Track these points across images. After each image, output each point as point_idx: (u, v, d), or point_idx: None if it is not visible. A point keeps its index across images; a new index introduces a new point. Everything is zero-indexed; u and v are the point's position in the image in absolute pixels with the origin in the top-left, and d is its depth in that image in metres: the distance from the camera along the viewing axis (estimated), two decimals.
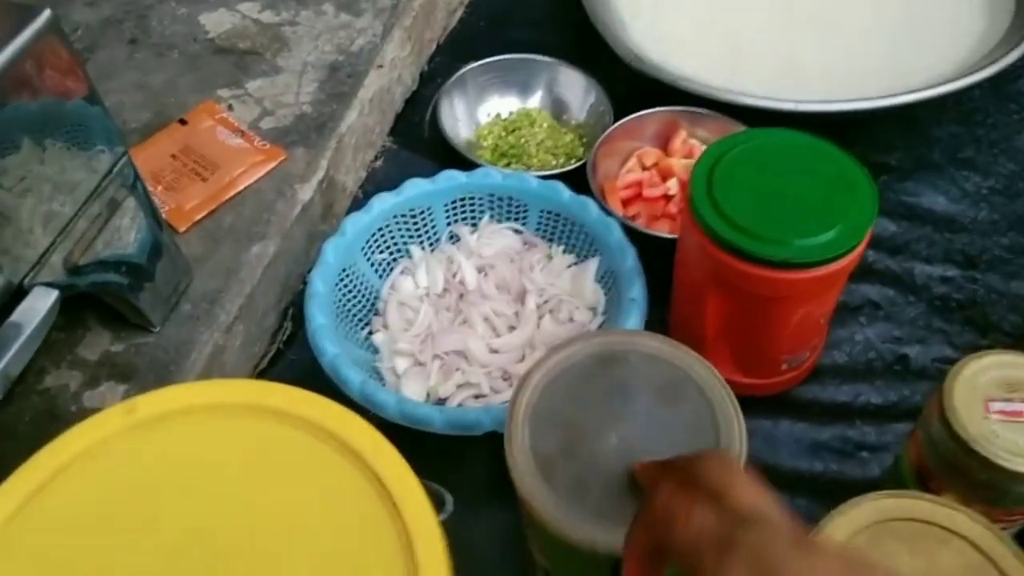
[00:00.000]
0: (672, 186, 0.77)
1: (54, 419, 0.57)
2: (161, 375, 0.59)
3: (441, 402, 0.65)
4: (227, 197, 0.69)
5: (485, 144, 0.84)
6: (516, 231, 0.74)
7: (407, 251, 0.74)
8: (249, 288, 0.64)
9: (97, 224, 0.52)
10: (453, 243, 0.74)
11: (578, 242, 0.72)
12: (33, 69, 0.45)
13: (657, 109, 0.80)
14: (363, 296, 0.70)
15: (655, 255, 0.68)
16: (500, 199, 0.74)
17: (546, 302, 0.70)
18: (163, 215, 0.63)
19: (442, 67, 0.93)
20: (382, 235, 0.71)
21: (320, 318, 0.63)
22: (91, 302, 0.59)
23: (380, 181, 0.82)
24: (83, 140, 0.50)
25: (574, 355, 0.48)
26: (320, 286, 0.65)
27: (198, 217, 0.68)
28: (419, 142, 0.86)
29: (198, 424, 0.43)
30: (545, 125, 0.85)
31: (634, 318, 0.63)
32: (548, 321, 0.69)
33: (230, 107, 0.77)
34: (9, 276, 0.47)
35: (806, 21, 0.89)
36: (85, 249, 0.52)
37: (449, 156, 0.80)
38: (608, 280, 0.69)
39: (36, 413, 0.58)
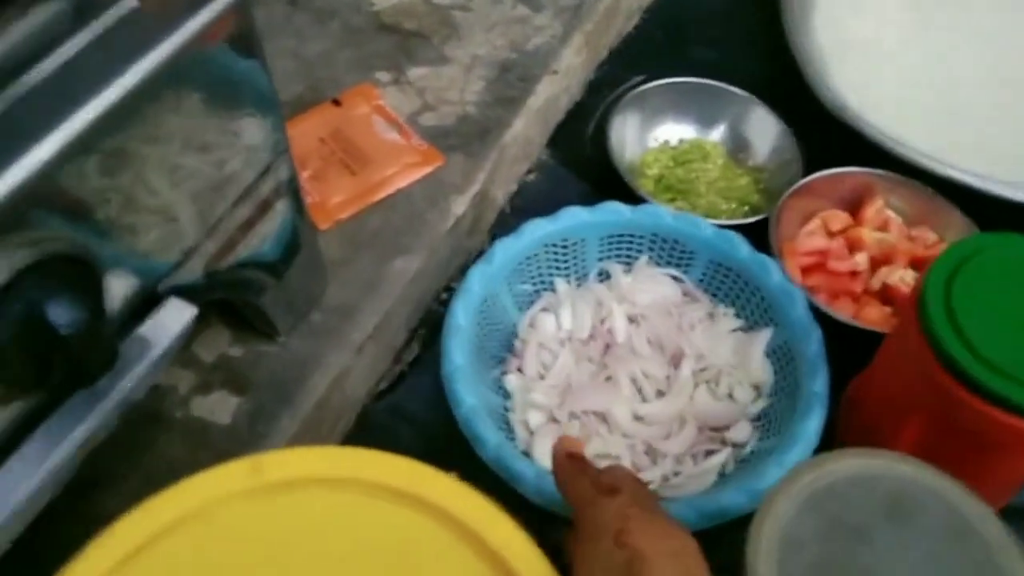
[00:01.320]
0: (861, 261, 0.67)
1: (157, 422, 0.52)
2: (279, 394, 0.53)
3: None
4: (376, 199, 0.63)
5: (649, 172, 0.76)
6: (676, 279, 0.66)
7: (551, 283, 0.66)
8: (388, 305, 0.58)
9: (245, 226, 0.46)
10: (602, 280, 0.67)
11: (749, 306, 0.64)
12: (208, 56, 0.39)
13: (851, 169, 0.71)
14: (501, 330, 0.63)
15: (830, 338, 0.59)
16: (664, 240, 0.66)
17: (703, 370, 0.62)
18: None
19: (609, 77, 0.85)
20: (529, 264, 0.64)
21: (459, 358, 0.56)
22: None
23: (531, 197, 0.75)
24: (243, 132, 0.43)
25: (826, 478, 0.41)
26: (462, 319, 0.58)
27: (342, 216, 0.61)
28: (577, 158, 0.78)
29: (329, 499, 0.37)
30: (720, 162, 0.76)
31: (816, 417, 0.54)
32: (703, 392, 0.61)
33: (389, 89, 0.70)
34: (145, 278, 0.41)
35: None
36: (227, 252, 0.46)
37: (608, 179, 0.72)
38: (781, 359, 0.61)
39: (139, 412, 0.52)
